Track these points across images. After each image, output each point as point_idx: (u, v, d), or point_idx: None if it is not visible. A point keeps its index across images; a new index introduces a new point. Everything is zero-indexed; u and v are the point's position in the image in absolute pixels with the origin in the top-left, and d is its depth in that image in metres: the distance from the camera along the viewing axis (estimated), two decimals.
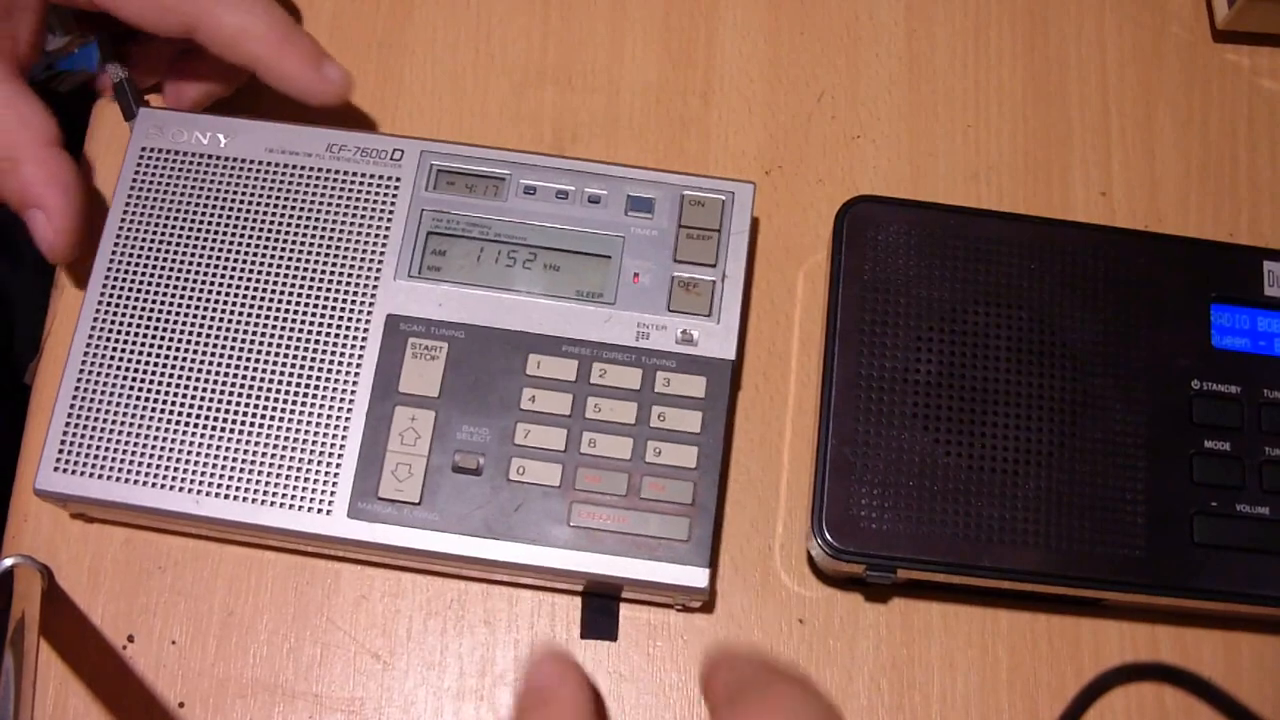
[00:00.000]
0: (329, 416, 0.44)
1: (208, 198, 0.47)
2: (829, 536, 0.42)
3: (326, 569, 0.46)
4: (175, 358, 0.45)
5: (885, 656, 0.46)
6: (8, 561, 0.45)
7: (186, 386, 0.44)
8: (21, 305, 0.68)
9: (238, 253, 0.46)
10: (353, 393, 0.44)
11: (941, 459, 0.43)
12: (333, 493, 0.43)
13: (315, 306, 0.45)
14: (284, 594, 0.46)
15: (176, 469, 0.44)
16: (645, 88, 0.53)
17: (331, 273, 0.46)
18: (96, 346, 0.45)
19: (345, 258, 0.46)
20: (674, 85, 0.53)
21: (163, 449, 0.44)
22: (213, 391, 0.44)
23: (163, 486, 0.44)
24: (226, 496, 0.43)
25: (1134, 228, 0.51)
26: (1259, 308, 0.45)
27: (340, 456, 0.44)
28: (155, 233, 0.46)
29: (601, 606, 0.46)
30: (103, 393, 0.44)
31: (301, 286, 0.45)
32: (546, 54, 0.53)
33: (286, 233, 0.46)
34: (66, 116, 0.50)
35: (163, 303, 0.45)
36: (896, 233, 0.46)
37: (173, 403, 0.44)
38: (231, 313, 0.45)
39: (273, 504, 0.43)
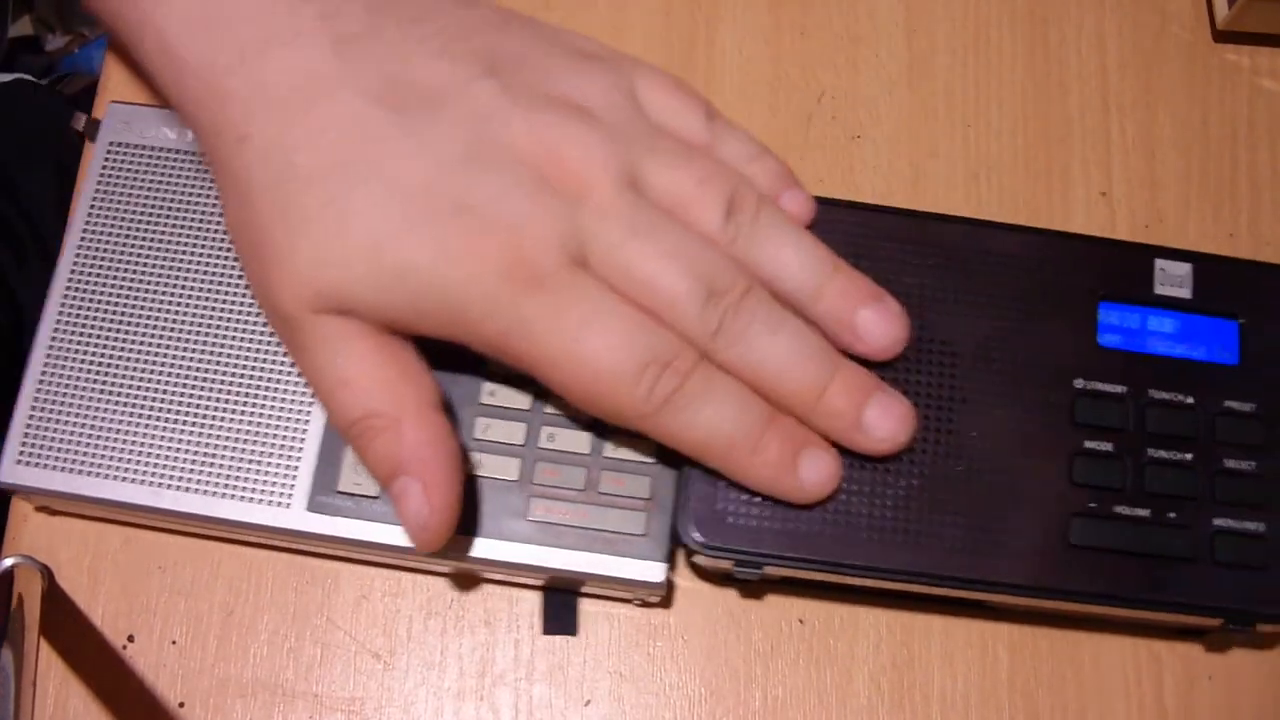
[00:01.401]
0: (289, 410, 0.44)
1: (174, 191, 0.46)
2: (695, 533, 0.41)
3: (327, 569, 0.46)
4: (138, 351, 0.45)
5: (885, 656, 0.46)
6: (8, 561, 0.45)
7: (148, 379, 0.44)
8: (28, 303, 0.68)
9: (202, 246, 0.46)
10: None
11: None
12: (292, 486, 0.43)
13: None
14: (284, 594, 0.46)
15: (137, 461, 0.43)
16: None
17: None
18: (60, 340, 0.45)
19: None
20: None
21: (124, 441, 0.44)
22: (174, 384, 0.44)
23: (123, 479, 0.43)
24: (185, 489, 0.43)
25: (1133, 229, 0.51)
26: (1148, 306, 0.44)
27: (300, 450, 0.44)
28: (121, 226, 0.46)
29: (562, 601, 0.46)
30: (66, 385, 0.44)
31: None
32: None
33: None
34: (71, 119, 0.51)
35: (126, 296, 0.45)
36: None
37: (134, 395, 0.44)
38: (194, 305, 0.45)
39: (231, 497, 0.43)
